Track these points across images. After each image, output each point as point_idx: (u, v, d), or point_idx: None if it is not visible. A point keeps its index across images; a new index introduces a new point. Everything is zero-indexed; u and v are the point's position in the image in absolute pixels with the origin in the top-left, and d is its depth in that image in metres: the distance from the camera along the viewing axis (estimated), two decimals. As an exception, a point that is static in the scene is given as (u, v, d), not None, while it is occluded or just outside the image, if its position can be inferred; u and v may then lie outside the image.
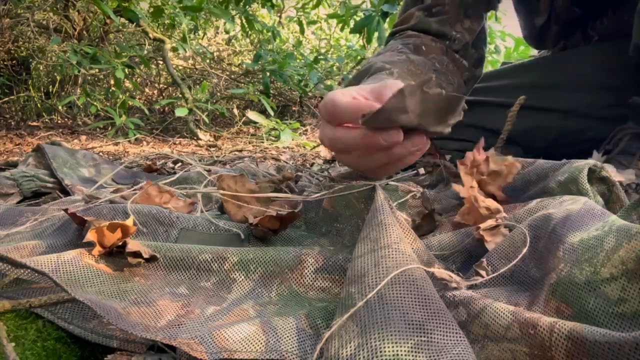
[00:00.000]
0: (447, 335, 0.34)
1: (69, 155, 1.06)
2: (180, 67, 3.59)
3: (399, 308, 0.35)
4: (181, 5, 2.92)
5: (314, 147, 2.19)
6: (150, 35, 3.06)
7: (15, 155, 1.87)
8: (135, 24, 3.00)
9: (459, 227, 0.58)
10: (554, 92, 1.00)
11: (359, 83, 0.77)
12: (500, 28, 3.71)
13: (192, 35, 3.67)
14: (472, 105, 1.07)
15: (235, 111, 3.32)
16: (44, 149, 1.03)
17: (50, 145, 1.07)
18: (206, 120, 2.86)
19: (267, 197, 0.67)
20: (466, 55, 0.94)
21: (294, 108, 3.58)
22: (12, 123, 3.19)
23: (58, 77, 3.44)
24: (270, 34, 3.50)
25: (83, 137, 2.63)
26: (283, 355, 0.37)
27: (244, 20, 3.25)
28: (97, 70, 3.07)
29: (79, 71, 2.78)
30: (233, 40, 4.22)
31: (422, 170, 0.87)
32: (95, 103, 2.84)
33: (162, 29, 3.51)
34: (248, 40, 4.22)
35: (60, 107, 3.26)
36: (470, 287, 0.44)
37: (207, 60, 3.81)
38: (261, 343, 0.38)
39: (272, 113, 2.87)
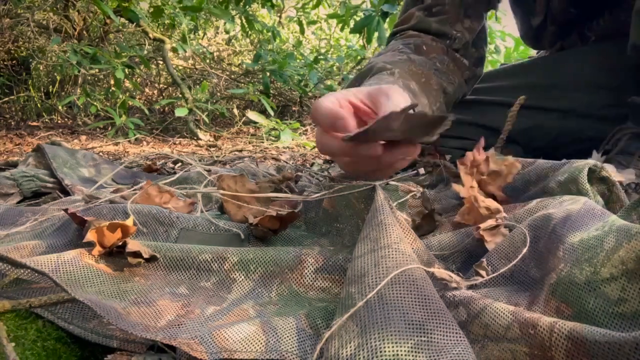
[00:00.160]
0: (447, 335, 0.34)
1: (69, 155, 1.06)
2: (180, 67, 3.59)
3: (399, 308, 0.35)
4: (181, 5, 2.92)
5: (314, 147, 2.19)
6: (150, 35, 3.07)
7: (15, 155, 1.87)
8: (135, 24, 3.00)
9: (459, 227, 0.58)
10: (553, 92, 1.00)
11: (361, 83, 0.77)
12: (500, 28, 3.71)
13: (192, 35, 3.67)
14: (473, 104, 1.07)
15: (235, 111, 3.32)
16: (44, 149, 1.03)
17: (50, 145, 1.07)
18: (206, 120, 2.86)
19: (267, 197, 0.67)
20: (467, 54, 0.94)
21: (294, 108, 3.58)
22: (12, 123, 3.19)
23: (58, 77, 3.44)
24: (270, 34, 3.50)
25: (83, 137, 2.63)
26: (283, 355, 0.37)
27: (244, 20, 3.25)
28: (97, 70, 3.07)
29: (79, 71, 2.78)
30: (233, 40, 4.22)
31: (422, 170, 0.87)
32: (95, 103, 2.84)
33: (162, 29, 3.51)
34: (248, 40, 4.22)
35: (60, 107, 3.26)
36: (470, 287, 0.44)
37: (207, 60, 3.81)
38: (261, 343, 0.38)
39: (272, 113, 2.87)
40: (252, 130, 2.90)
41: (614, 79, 0.95)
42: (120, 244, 0.49)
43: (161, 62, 3.40)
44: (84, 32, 3.38)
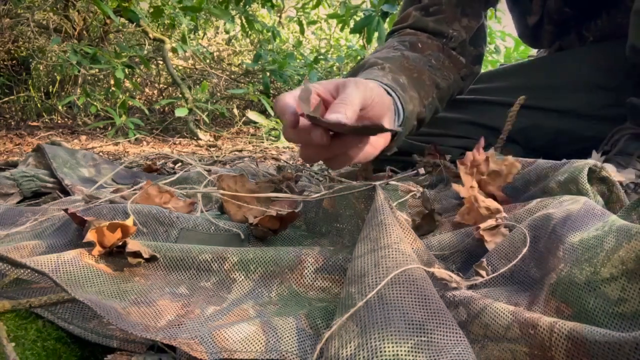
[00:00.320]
0: (447, 335, 0.34)
1: (69, 155, 1.06)
2: (180, 67, 3.59)
3: (399, 308, 0.35)
4: (181, 5, 2.92)
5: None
6: (150, 35, 3.07)
7: (15, 155, 1.87)
8: (135, 24, 3.00)
9: (459, 227, 0.58)
10: (552, 92, 1.00)
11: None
12: (500, 28, 3.71)
13: (192, 35, 3.67)
14: (472, 104, 1.08)
15: (235, 111, 3.32)
16: (44, 149, 1.03)
17: (50, 145, 1.07)
18: (206, 120, 2.87)
19: (267, 197, 0.67)
20: (464, 52, 0.95)
21: (294, 108, 3.57)
22: (12, 123, 3.19)
23: (58, 77, 3.44)
24: (270, 34, 3.50)
25: (83, 137, 2.63)
26: (283, 355, 0.37)
27: (244, 20, 3.25)
28: (97, 70, 3.07)
29: (79, 71, 2.78)
30: (233, 40, 4.22)
31: (422, 170, 0.87)
32: (95, 103, 2.84)
33: (162, 29, 3.51)
34: (248, 40, 4.22)
35: (60, 107, 3.26)
36: (470, 287, 0.44)
37: (207, 60, 3.81)
38: (261, 343, 0.38)
39: (272, 113, 2.87)
40: (252, 130, 2.90)
41: (612, 80, 0.95)
42: (120, 244, 0.49)
43: (161, 62, 3.41)
44: (84, 32, 3.38)
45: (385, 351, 0.32)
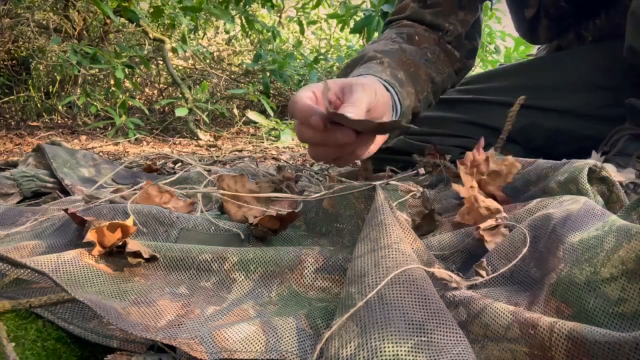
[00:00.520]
0: (447, 335, 0.34)
1: (69, 155, 1.06)
2: (180, 67, 3.59)
3: (399, 308, 0.35)
4: (181, 5, 2.92)
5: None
6: (150, 35, 3.06)
7: (15, 155, 1.87)
8: (135, 24, 3.00)
9: (459, 227, 0.58)
10: (551, 92, 1.01)
11: (352, 70, 0.80)
12: (500, 28, 3.71)
13: (192, 35, 3.67)
14: (472, 103, 1.08)
15: (235, 111, 3.32)
16: (44, 149, 1.03)
17: (50, 145, 1.07)
18: (206, 120, 2.87)
19: (267, 197, 0.67)
20: (459, 46, 0.95)
21: (294, 108, 3.57)
22: (12, 123, 3.19)
23: (58, 77, 3.44)
24: (270, 34, 3.50)
25: (83, 137, 2.63)
26: (283, 355, 0.37)
27: (243, 20, 3.25)
28: (97, 70, 3.07)
29: (79, 71, 2.78)
30: (233, 40, 4.22)
31: (422, 170, 0.87)
32: (95, 103, 2.84)
33: (162, 29, 3.51)
34: (248, 40, 4.22)
35: (60, 107, 3.26)
36: (470, 287, 0.44)
37: (207, 60, 3.81)
38: (261, 343, 0.38)
39: (272, 113, 2.87)
40: (252, 130, 2.90)
41: (611, 79, 0.95)
42: (120, 244, 0.49)
43: (161, 62, 3.40)
44: (84, 32, 3.38)
45: (385, 351, 0.32)
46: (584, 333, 0.31)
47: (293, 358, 0.37)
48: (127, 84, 3.53)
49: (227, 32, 3.91)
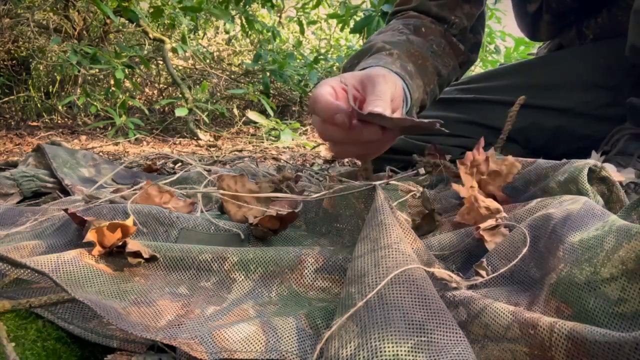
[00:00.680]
0: (447, 335, 0.34)
1: (69, 155, 1.06)
2: (180, 67, 3.59)
3: (399, 308, 0.35)
4: (181, 5, 2.92)
5: (314, 147, 2.19)
6: (150, 35, 3.06)
7: (15, 155, 1.87)
8: (135, 24, 2.99)
9: (459, 227, 0.58)
10: (551, 91, 1.01)
11: (360, 61, 0.80)
12: (500, 28, 3.71)
13: (192, 35, 3.67)
14: (472, 103, 1.08)
15: (235, 111, 3.32)
16: (44, 149, 1.03)
17: (50, 145, 1.07)
18: (206, 120, 2.86)
19: (267, 197, 0.67)
20: (464, 39, 0.96)
21: (294, 108, 3.58)
22: (12, 123, 3.19)
23: (58, 77, 3.44)
24: (270, 34, 3.50)
25: (83, 137, 2.63)
26: (283, 355, 0.37)
27: (243, 20, 3.25)
28: (97, 70, 3.07)
29: (79, 71, 2.78)
30: (233, 40, 4.22)
31: (422, 170, 0.87)
32: (95, 103, 2.84)
33: (162, 29, 3.51)
34: (248, 40, 4.22)
35: (60, 107, 3.26)
36: (470, 287, 0.44)
37: (207, 60, 3.81)
38: (261, 343, 0.38)
39: (272, 113, 2.87)
40: (252, 130, 2.90)
41: (611, 78, 0.95)
42: (120, 244, 0.49)
43: (161, 62, 3.40)
44: (84, 32, 3.38)
45: (385, 351, 0.32)
46: (584, 333, 0.31)
47: (293, 358, 0.37)
48: (127, 84, 3.53)
49: (227, 32, 3.90)
